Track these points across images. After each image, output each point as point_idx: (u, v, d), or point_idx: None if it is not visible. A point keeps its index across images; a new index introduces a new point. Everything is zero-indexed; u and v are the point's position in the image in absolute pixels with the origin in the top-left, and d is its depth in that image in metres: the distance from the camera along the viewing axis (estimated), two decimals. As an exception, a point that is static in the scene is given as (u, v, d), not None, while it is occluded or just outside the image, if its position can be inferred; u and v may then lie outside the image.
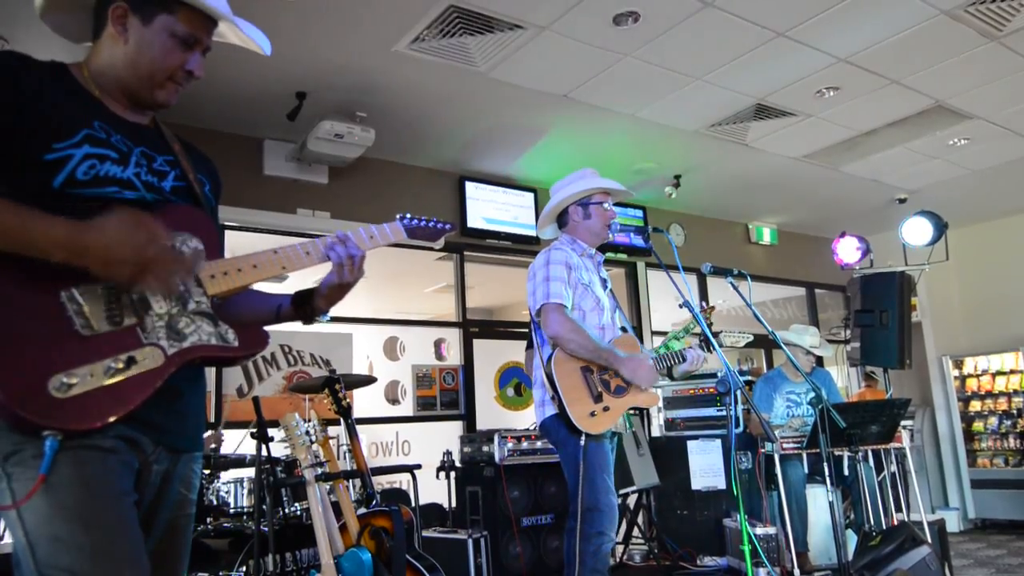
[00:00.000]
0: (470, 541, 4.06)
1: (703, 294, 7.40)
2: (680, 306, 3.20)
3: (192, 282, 1.41)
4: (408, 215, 1.70)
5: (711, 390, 5.02)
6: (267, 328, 1.53)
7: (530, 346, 3.46)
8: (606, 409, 2.89)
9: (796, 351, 4.86)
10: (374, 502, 3.27)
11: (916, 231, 5.55)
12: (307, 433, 3.16)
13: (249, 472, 3.75)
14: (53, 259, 1.22)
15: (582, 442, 2.82)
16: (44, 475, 1.18)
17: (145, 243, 1.26)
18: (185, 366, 1.37)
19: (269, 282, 1.58)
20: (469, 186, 5.95)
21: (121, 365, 1.26)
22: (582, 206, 3.19)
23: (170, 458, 1.43)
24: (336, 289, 1.58)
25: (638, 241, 6.61)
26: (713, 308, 3.65)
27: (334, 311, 1.67)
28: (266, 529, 3.20)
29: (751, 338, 3.73)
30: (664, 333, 4.16)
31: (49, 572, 1.21)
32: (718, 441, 4.96)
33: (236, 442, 4.14)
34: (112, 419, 1.24)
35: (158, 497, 1.42)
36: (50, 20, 1.51)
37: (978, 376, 7.64)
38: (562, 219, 3.27)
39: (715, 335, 3.78)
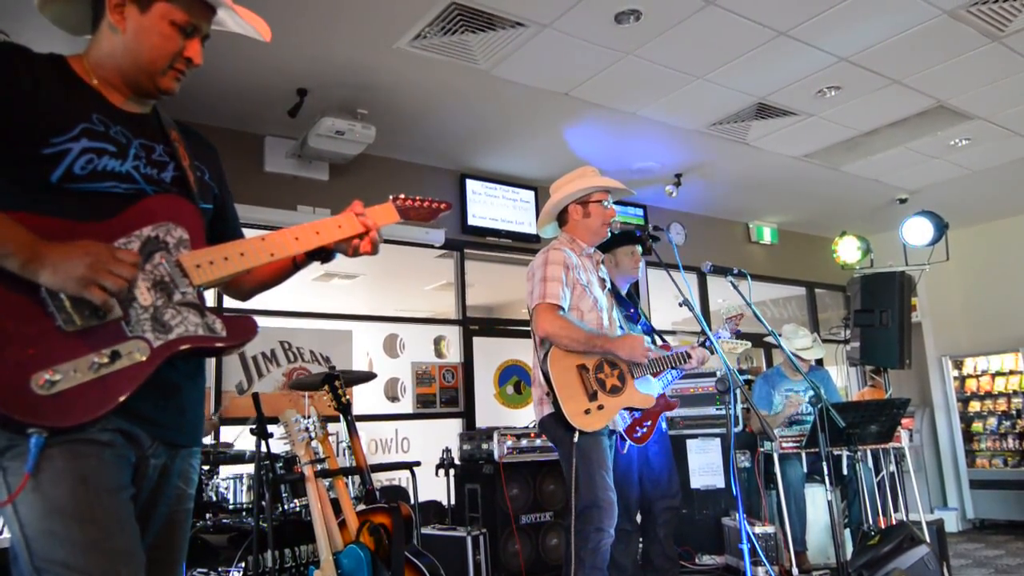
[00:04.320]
0: (469, 538, 4.07)
1: (703, 293, 7.40)
2: (680, 304, 3.20)
3: (175, 268, 1.39)
4: (402, 196, 1.70)
5: (710, 389, 5.03)
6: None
7: None
8: (600, 407, 2.89)
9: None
10: (373, 499, 3.27)
11: (916, 231, 5.56)
12: (306, 430, 3.17)
13: (248, 468, 3.76)
14: (9, 263, 1.20)
15: (575, 438, 2.83)
16: (29, 473, 1.18)
17: (103, 250, 1.25)
18: (176, 359, 1.36)
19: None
20: (470, 183, 5.95)
21: (106, 360, 1.25)
22: (581, 205, 3.19)
23: (168, 453, 1.42)
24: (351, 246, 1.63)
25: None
26: (742, 315, 3.66)
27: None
28: (265, 525, 3.20)
29: (748, 345, 3.75)
30: (665, 332, 4.17)
31: (44, 566, 1.21)
32: (717, 440, 4.97)
33: (236, 437, 4.15)
34: (98, 415, 1.23)
35: (155, 492, 1.41)
36: (49, 12, 1.50)
37: (978, 377, 7.63)
38: (562, 218, 3.27)
39: (653, 331, 3.82)
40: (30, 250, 1.21)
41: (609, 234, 3.24)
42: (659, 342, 3.89)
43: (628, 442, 3.66)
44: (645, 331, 4.05)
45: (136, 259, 1.30)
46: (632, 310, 4.07)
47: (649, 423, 3.67)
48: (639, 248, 4.02)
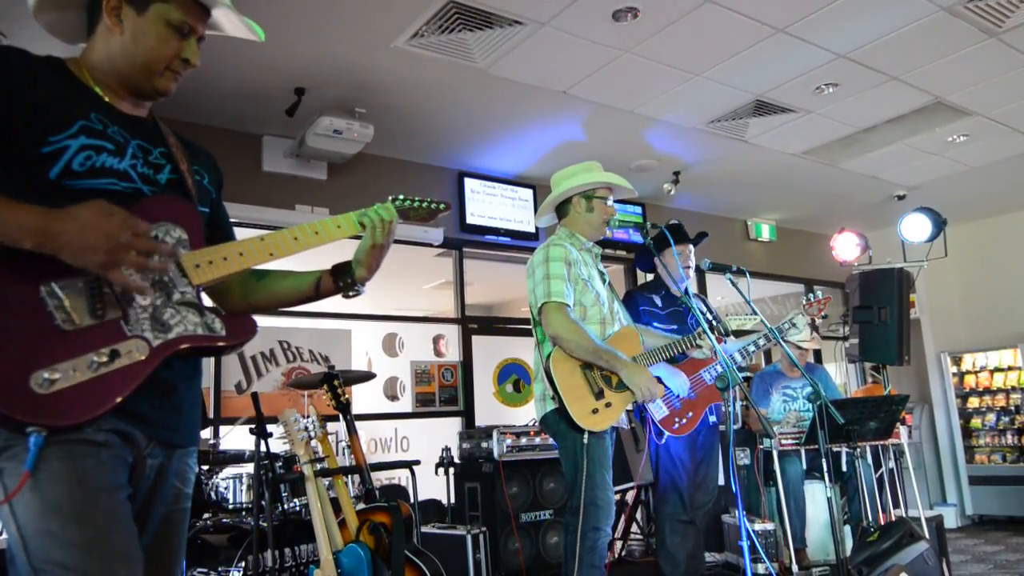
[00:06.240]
0: (469, 537, 4.06)
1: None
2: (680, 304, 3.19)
3: (174, 268, 1.39)
4: (401, 196, 1.70)
5: (710, 386, 5.01)
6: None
7: None
8: (608, 405, 2.87)
9: (791, 347, 4.85)
10: (373, 498, 3.28)
11: (915, 228, 5.54)
12: (306, 429, 3.17)
13: (248, 468, 3.76)
14: (23, 246, 1.20)
15: (584, 440, 2.81)
16: (28, 472, 1.18)
17: (118, 229, 1.24)
18: (174, 358, 1.36)
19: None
20: (468, 182, 5.94)
21: (104, 359, 1.25)
22: (585, 198, 3.18)
23: (164, 453, 1.42)
24: (371, 253, 1.61)
25: (637, 238, 6.60)
26: (828, 298, 3.65)
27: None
28: (265, 525, 3.21)
29: (757, 318, 3.70)
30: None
31: (42, 567, 1.21)
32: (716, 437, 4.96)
33: (235, 438, 4.14)
34: (97, 414, 1.23)
35: (152, 492, 1.42)
36: (44, 19, 1.51)
37: (976, 373, 7.64)
38: (562, 209, 3.25)
39: (719, 321, 3.75)
40: (39, 236, 1.21)
41: (609, 232, 3.24)
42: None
43: (666, 433, 3.59)
44: (693, 325, 3.96)
45: (150, 243, 1.30)
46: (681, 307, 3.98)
47: (691, 414, 3.59)
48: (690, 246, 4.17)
